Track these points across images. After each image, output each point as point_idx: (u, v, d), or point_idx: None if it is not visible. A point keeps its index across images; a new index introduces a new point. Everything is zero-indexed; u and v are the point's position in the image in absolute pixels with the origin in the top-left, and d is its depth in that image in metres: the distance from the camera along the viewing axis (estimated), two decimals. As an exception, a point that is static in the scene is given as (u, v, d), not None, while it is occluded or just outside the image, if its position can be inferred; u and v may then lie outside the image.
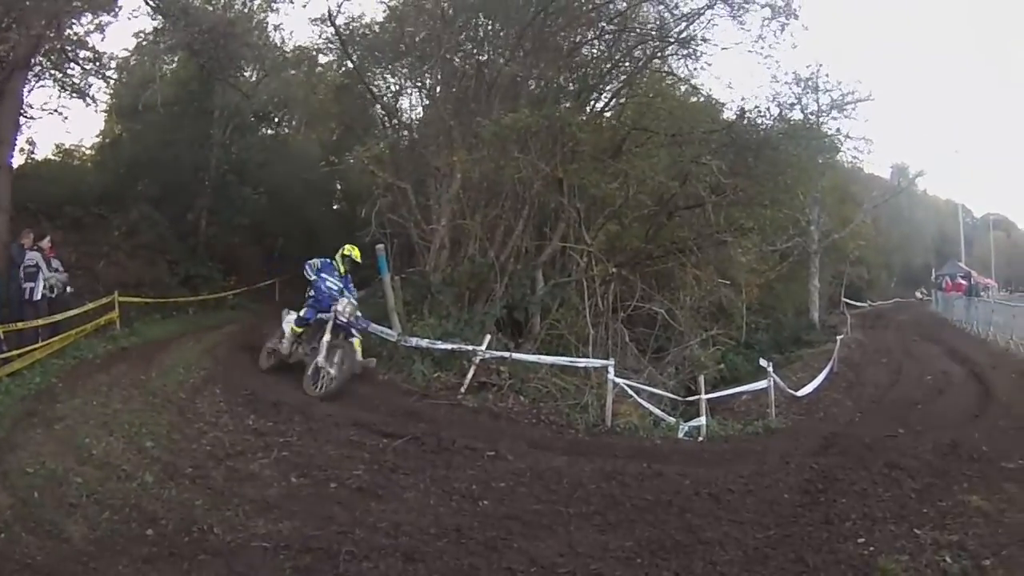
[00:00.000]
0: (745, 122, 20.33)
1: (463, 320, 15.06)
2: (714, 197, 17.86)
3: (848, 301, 41.47)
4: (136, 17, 18.16)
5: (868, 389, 18.01)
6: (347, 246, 12.54)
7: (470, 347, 12.95)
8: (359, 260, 12.50)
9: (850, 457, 9.64)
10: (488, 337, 13.19)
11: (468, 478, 7.56)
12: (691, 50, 19.39)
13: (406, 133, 21.40)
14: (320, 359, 11.02)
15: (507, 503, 6.94)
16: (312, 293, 11.97)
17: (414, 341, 13.28)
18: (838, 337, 22.95)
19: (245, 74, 24.95)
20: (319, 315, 11.62)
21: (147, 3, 17.58)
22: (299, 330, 11.87)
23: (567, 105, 18.08)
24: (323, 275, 11.99)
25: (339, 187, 30.42)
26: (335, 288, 11.92)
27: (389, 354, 13.56)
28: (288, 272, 23.86)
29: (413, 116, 22.46)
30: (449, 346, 13.10)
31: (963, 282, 44.47)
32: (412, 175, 17.95)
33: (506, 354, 13.11)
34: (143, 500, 6.53)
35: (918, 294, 49.32)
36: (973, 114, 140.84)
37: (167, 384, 10.80)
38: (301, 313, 11.85)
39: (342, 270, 12.20)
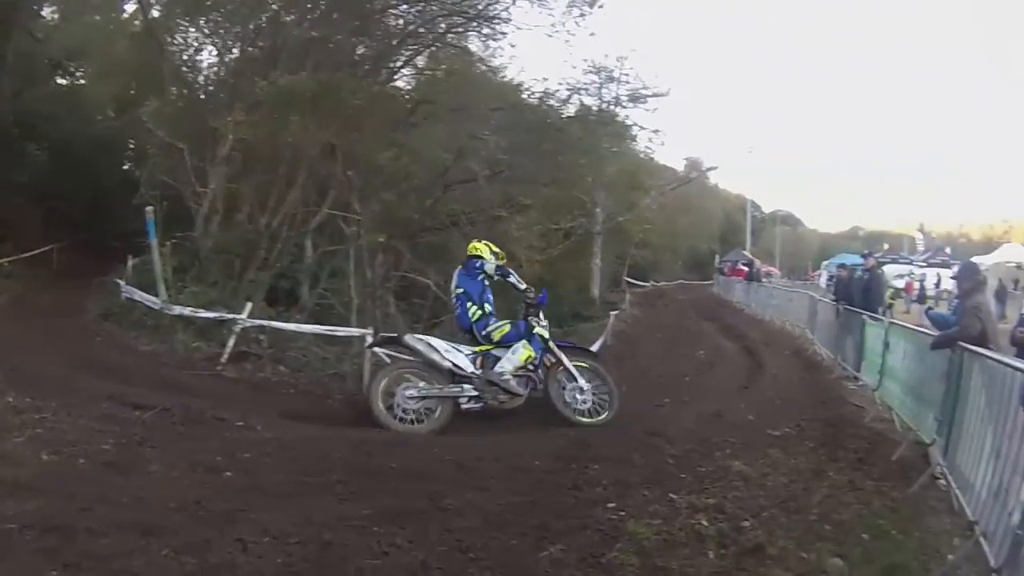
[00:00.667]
0: (532, 103, 21.29)
1: (230, 288, 14.88)
2: (486, 172, 18.43)
3: (630, 280, 43.87)
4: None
5: (639, 362, 18.50)
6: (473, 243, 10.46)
7: (230, 316, 12.78)
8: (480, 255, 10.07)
9: (610, 425, 9.86)
10: (249, 305, 13.12)
11: (214, 450, 7.30)
12: (492, 28, 19.87)
13: (190, 91, 20.39)
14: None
15: (251, 474, 6.76)
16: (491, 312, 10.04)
17: (177, 310, 13.03)
18: (612, 313, 23.99)
19: (43, 15, 22.99)
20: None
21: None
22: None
23: (351, 72, 17.99)
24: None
25: (131, 146, 27.18)
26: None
27: (154, 323, 13.34)
28: (67, 237, 22.36)
29: (210, 75, 21.49)
30: (212, 315, 12.94)
31: (744, 268, 48.57)
32: (192, 136, 17.28)
33: (265, 322, 13.03)
34: None
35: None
36: (773, 117, 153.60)
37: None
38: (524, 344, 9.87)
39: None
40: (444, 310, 18.25)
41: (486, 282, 10.02)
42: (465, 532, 5.61)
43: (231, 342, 12.30)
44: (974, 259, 24.96)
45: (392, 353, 11.20)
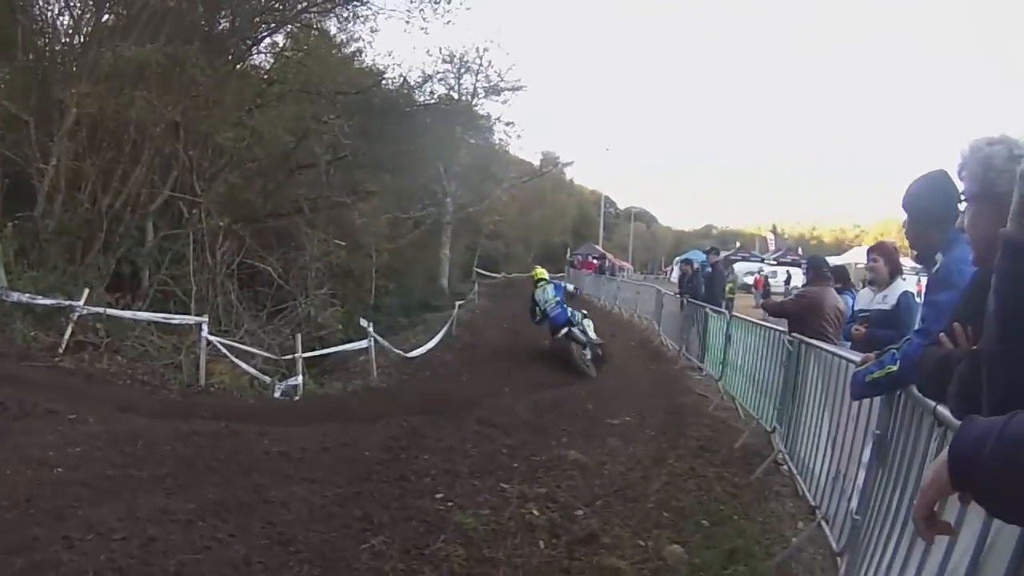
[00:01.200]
0: (384, 88, 21.55)
1: (71, 273, 14.47)
2: (328, 157, 18.72)
3: (480, 271, 44.62)
4: None
5: (483, 352, 18.76)
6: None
7: (68, 302, 12.49)
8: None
9: (444, 415, 9.91)
10: (87, 291, 12.81)
11: (46, 444, 7.07)
12: (351, 11, 20.32)
13: (40, 59, 19.29)
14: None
15: (81, 469, 6.75)
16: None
17: (15, 296, 12.52)
18: (457, 303, 23.91)
19: None
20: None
21: None
22: None
23: (204, 47, 17.59)
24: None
25: None
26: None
27: None
28: None
29: (64, 43, 20.23)
30: (49, 301, 12.56)
31: (595, 261, 50.17)
32: (38, 108, 16.53)
33: (101, 310, 12.82)
34: None
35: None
36: (631, 116, 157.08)
37: None
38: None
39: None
40: (288, 298, 18.57)
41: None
42: (288, 525, 5.70)
43: (68, 331, 12.15)
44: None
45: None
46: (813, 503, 5.81)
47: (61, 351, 11.88)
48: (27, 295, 12.64)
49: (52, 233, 15.08)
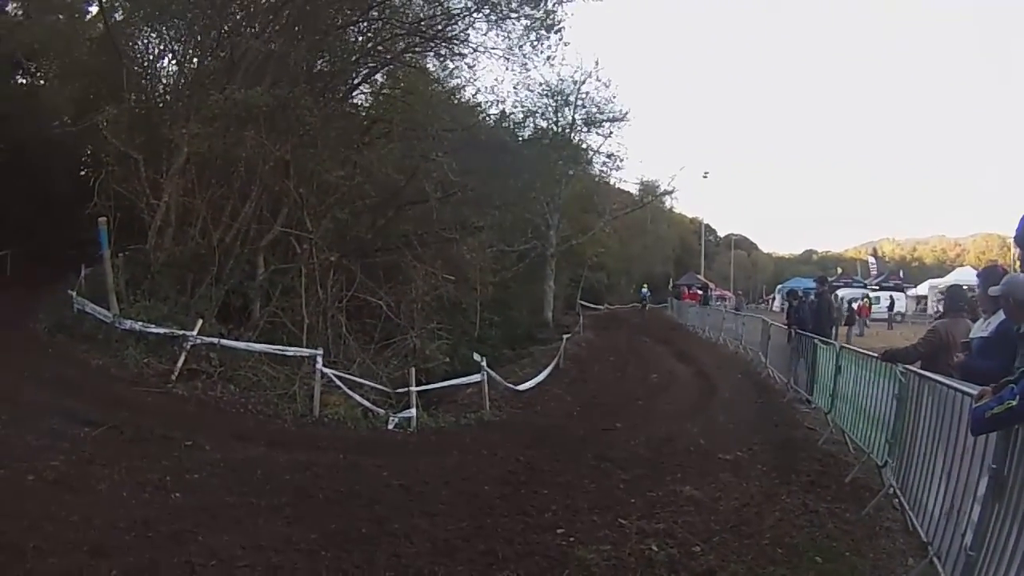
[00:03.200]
0: (487, 124, 21.43)
1: (182, 303, 14.64)
2: (438, 195, 18.41)
3: (584, 303, 44.02)
4: None
5: (591, 385, 18.36)
6: None
7: (182, 332, 12.66)
8: None
9: (560, 450, 9.91)
10: (200, 322, 12.94)
11: (162, 469, 7.35)
12: (450, 49, 20.03)
13: (146, 99, 20.12)
14: None
15: (199, 495, 6.82)
16: None
17: (128, 324, 12.83)
18: (564, 336, 23.48)
19: (7, 11, 22.39)
20: None
21: None
22: None
23: (308, 88, 17.62)
24: None
25: (89, 151, 25.52)
26: None
27: (105, 337, 13.04)
28: (20, 243, 21.71)
29: (168, 84, 21.11)
30: (162, 330, 12.77)
31: (699, 292, 49.17)
32: (147, 146, 16.95)
33: (215, 340, 12.90)
34: None
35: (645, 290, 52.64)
36: (730, 141, 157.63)
37: None
38: None
39: None
40: (396, 331, 18.38)
41: None
42: (412, 558, 5.62)
43: (182, 359, 12.20)
44: (928, 283, 25.50)
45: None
46: (925, 539, 5.55)
47: (174, 378, 11.87)
48: (139, 323, 12.88)
49: (163, 265, 15.30)
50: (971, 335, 6.25)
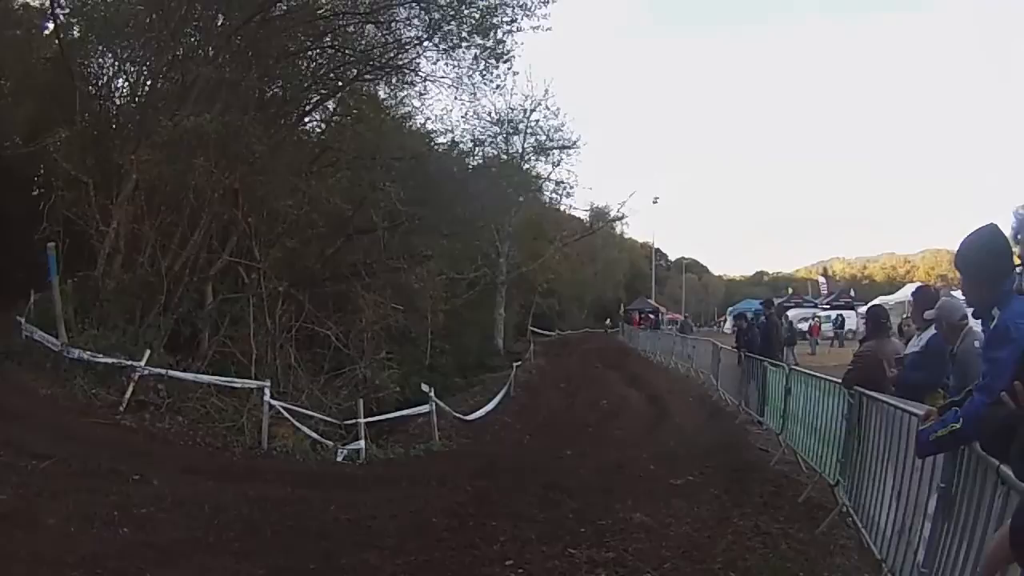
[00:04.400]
0: (436, 153, 21.60)
1: (131, 332, 14.45)
2: (386, 224, 18.60)
3: (535, 329, 44.36)
4: None
5: (542, 413, 18.63)
6: None
7: (130, 362, 12.50)
8: None
9: (509, 479, 9.99)
10: (148, 352, 12.76)
11: (111, 504, 7.21)
12: (400, 77, 20.34)
13: (98, 121, 19.63)
14: None
15: (147, 530, 6.72)
16: None
17: (76, 353, 12.64)
18: (515, 364, 23.69)
19: None
20: None
21: None
22: None
23: (259, 114, 17.84)
24: None
25: (41, 172, 23.99)
26: None
27: (54, 366, 12.86)
28: None
29: (121, 107, 20.77)
30: (111, 360, 12.63)
31: (651, 316, 49.65)
32: (97, 169, 16.80)
33: (162, 371, 12.75)
34: None
35: (609, 321, 53.45)
36: (677, 165, 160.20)
37: None
38: None
39: None
40: (346, 361, 18.37)
41: None
42: None
43: (130, 390, 12.07)
44: (879, 300, 26.02)
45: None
46: (879, 556, 5.57)
47: (122, 409, 11.73)
48: (88, 352, 12.70)
49: (112, 293, 15.09)
50: (907, 350, 6.55)
